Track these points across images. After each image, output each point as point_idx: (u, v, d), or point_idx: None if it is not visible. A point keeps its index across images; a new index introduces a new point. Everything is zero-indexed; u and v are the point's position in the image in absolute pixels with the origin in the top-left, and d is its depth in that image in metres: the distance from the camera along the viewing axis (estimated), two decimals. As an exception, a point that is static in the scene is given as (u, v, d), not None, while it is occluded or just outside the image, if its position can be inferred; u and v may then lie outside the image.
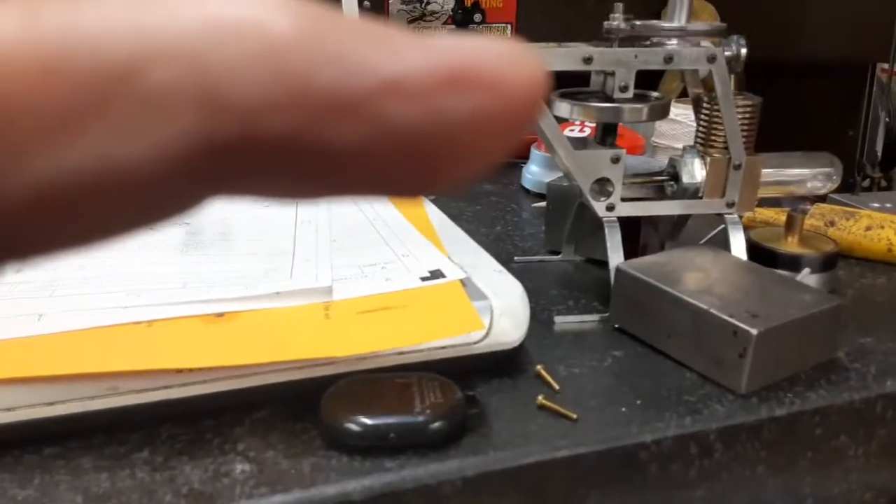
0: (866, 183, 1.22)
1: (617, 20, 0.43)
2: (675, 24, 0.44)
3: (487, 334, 0.37)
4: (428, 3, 0.92)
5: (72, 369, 0.31)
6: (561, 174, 0.55)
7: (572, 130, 0.68)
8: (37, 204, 0.08)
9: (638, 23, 0.44)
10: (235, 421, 0.34)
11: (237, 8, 0.09)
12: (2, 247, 0.09)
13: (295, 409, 0.34)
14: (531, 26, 0.97)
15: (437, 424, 0.32)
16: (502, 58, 0.09)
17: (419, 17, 0.93)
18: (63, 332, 0.33)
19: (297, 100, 0.09)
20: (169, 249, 0.42)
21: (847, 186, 1.16)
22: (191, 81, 0.08)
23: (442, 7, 0.88)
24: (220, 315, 0.35)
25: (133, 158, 0.08)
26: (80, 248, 0.09)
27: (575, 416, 0.35)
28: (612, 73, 0.43)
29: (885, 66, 1.21)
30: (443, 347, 0.37)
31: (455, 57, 0.09)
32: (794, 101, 1.18)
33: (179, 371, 0.33)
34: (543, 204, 0.60)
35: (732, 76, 0.45)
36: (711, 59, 0.43)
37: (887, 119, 1.25)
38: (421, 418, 0.32)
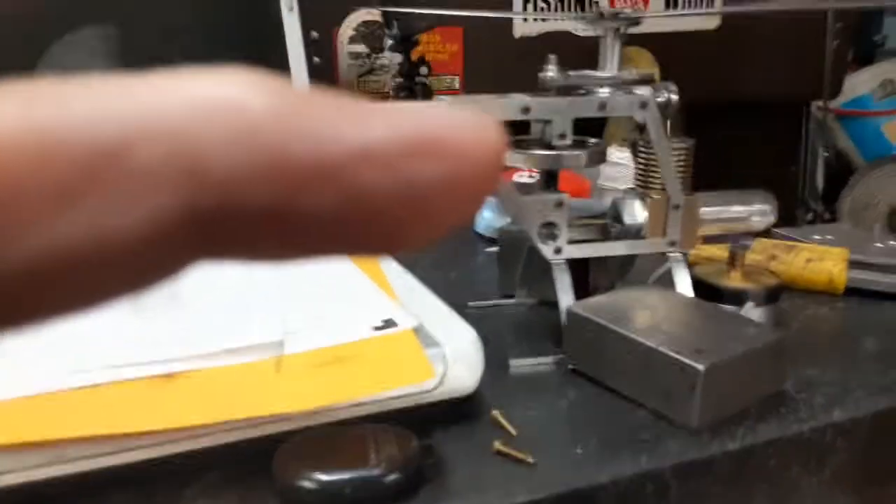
0: (810, 216, 1.26)
1: (552, 71, 0.45)
2: (606, 74, 0.46)
3: (442, 381, 0.38)
4: (376, 59, 0.94)
5: (15, 438, 0.31)
6: (511, 220, 0.56)
7: (521, 176, 0.70)
8: (30, 275, 0.09)
9: (572, 73, 0.45)
10: (186, 483, 0.33)
11: (215, 89, 0.09)
12: None
13: (248, 469, 0.34)
14: (477, 78, 1.00)
15: (392, 477, 0.32)
16: (464, 126, 0.10)
17: (368, 71, 0.95)
18: (5, 400, 0.32)
19: (274, 171, 0.09)
20: (116, 310, 0.42)
21: (791, 220, 1.20)
22: (175, 158, 0.09)
23: (390, 61, 0.90)
24: (169, 375, 0.35)
25: (122, 230, 0.09)
26: (69, 315, 0.10)
27: (532, 460, 0.35)
28: (550, 122, 0.44)
29: (821, 103, 1.26)
30: (397, 397, 0.37)
31: (419, 126, 0.10)
32: (738, 141, 1.22)
33: (128, 435, 0.32)
34: (496, 249, 0.61)
35: (667, 121, 0.47)
36: (643, 105, 0.45)
37: (826, 154, 1.30)
38: (376, 471, 0.32)
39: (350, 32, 0.95)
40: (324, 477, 0.32)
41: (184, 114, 0.09)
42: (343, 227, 0.10)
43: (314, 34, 0.94)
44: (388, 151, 0.09)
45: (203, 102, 0.09)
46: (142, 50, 0.73)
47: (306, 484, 0.31)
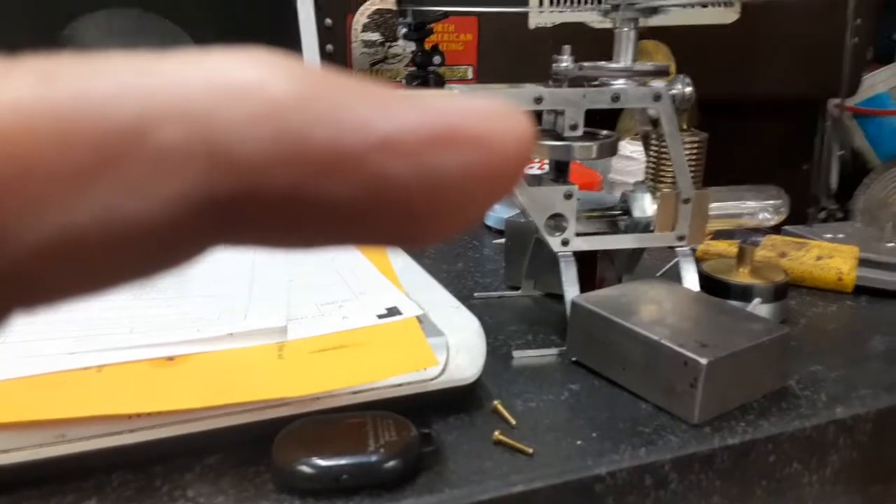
0: (822, 215, 1.24)
1: (566, 62, 0.45)
2: (621, 65, 0.45)
3: (443, 371, 0.38)
4: (390, 47, 0.94)
5: (19, 417, 0.31)
6: (519, 211, 0.56)
7: (531, 168, 0.70)
8: (47, 255, 0.09)
9: (586, 64, 0.45)
10: (186, 466, 0.33)
11: (239, 70, 0.09)
12: (11, 296, 0.09)
13: (247, 453, 0.34)
14: (491, 68, 0.99)
15: (390, 464, 0.32)
16: (490, 115, 0.10)
17: (381, 60, 0.95)
18: (10, 380, 0.32)
19: (296, 157, 0.09)
20: (123, 293, 0.42)
21: (803, 219, 1.19)
22: (196, 140, 0.09)
23: (403, 50, 0.90)
24: (171, 358, 0.35)
25: (140, 213, 0.09)
26: (85, 297, 0.10)
27: (531, 450, 0.35)
28: (562, 113, 0.44)
29: (837, 101, 1.24)
30: (398, 385, 0.37)
31: (445, 115, 0.10)
32: (752, 137, 1.21)
33: (129, 416, 0.32)
34: (503, 240, 0.61)
35: (680, 114, 0.46)
36: (657, 97, 0.44)
37: (841, 152, 1.29)
38: (374, 458, 0.32)
39: (364, 20, 0.95)
40: (322, 462, 0.32)
41: (204, 95, 0.09)
42: (364, 217, 0.10)
43: (328, 21, 0.94)
44: (412, 140, 0.09)
45: (224, 84, 0.09)
46: (154, 35, 0.74)
47: (304, 469, 0.31)
